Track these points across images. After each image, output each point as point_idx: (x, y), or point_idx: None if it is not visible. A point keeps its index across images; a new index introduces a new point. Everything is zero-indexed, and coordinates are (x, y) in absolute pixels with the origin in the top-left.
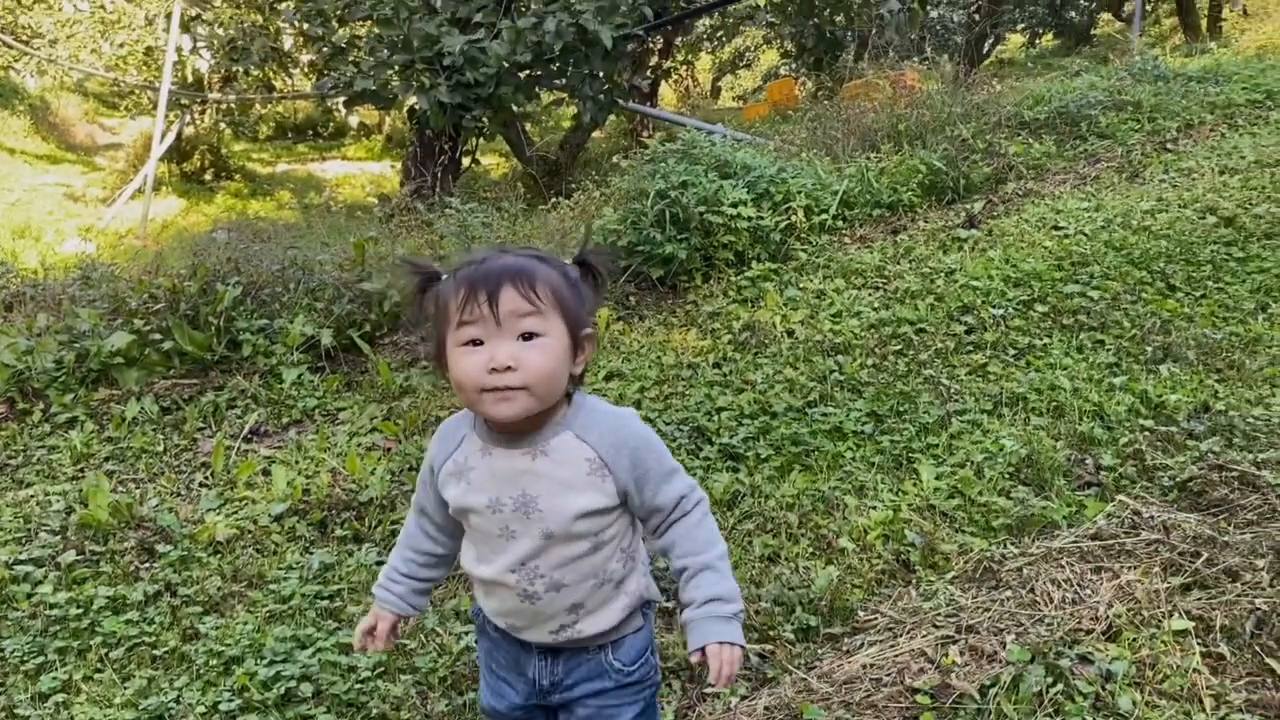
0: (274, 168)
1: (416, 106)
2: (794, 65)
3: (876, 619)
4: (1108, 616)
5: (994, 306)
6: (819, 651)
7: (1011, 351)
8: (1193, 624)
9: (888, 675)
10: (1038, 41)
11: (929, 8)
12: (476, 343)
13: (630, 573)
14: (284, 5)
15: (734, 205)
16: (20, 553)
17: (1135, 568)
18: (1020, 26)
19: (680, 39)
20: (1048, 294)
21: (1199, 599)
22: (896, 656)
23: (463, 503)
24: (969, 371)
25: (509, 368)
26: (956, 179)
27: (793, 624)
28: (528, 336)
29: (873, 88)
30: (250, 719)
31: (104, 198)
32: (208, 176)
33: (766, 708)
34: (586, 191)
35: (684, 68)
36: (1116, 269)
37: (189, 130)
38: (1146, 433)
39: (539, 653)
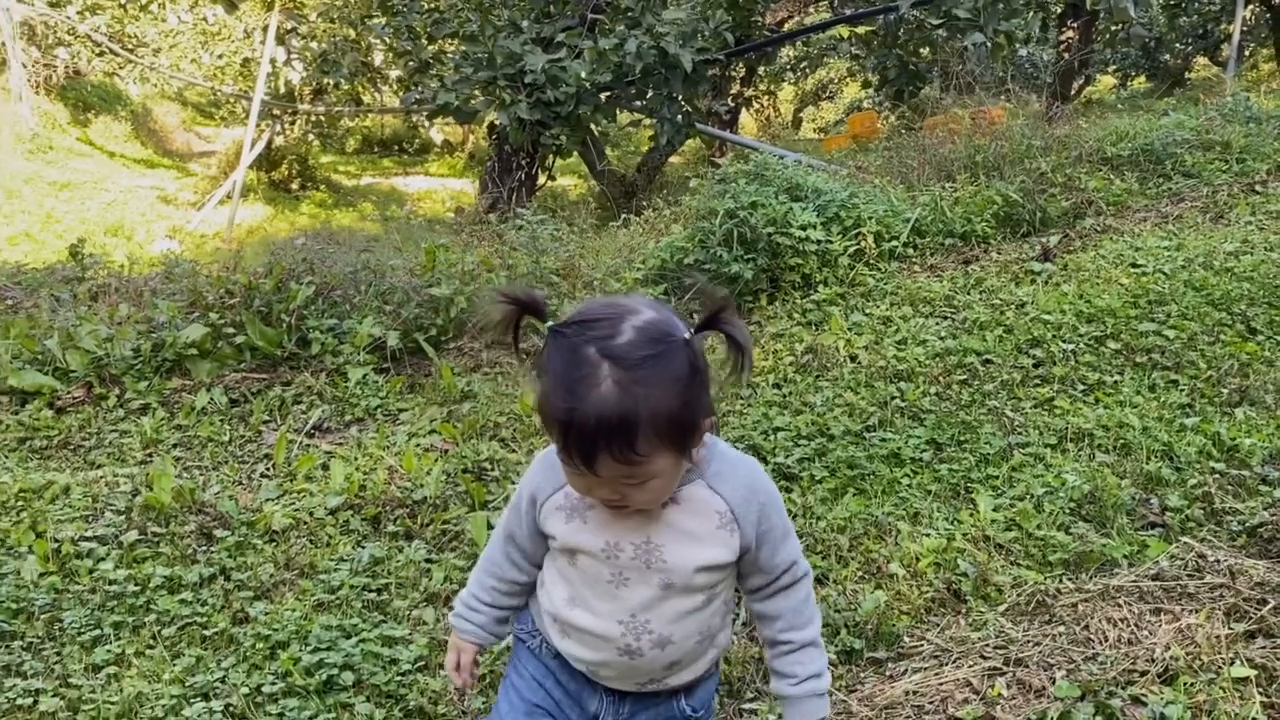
0: (359, 180)
1: (497, 122)
2: (876, 98)
3: (923, 646)
4: (1164, 659)
5: (1064, 341)
6: (861, 675)
7: (1080, 387)
8: (1255, 672)
9: (930, 703)
10: (1129, 83)
11: (1016, 44)
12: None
13: (724, 626)
14: (375, 21)
15: (803, 228)
16: (86, 530)
17: (1197, 611)
18: (1112, 68)
19: (764, 68)
20: (1121, 331)
21: (1263, 647)
22: (941, 685)
23: (573, 542)
24: (1035, 405)
25: (613, 500)
26: (1033, 212)
27: (836, 646)
28: (632, 483)
29: (955, 121)
30: (291, 703)
31: (194, 202)
32: (294, 186)
33: None
34: (657, 210)
35: (766, 97)
36: (1195, 309)
37: (279, 140)
38: (1217, 475)
39: (607, 692)
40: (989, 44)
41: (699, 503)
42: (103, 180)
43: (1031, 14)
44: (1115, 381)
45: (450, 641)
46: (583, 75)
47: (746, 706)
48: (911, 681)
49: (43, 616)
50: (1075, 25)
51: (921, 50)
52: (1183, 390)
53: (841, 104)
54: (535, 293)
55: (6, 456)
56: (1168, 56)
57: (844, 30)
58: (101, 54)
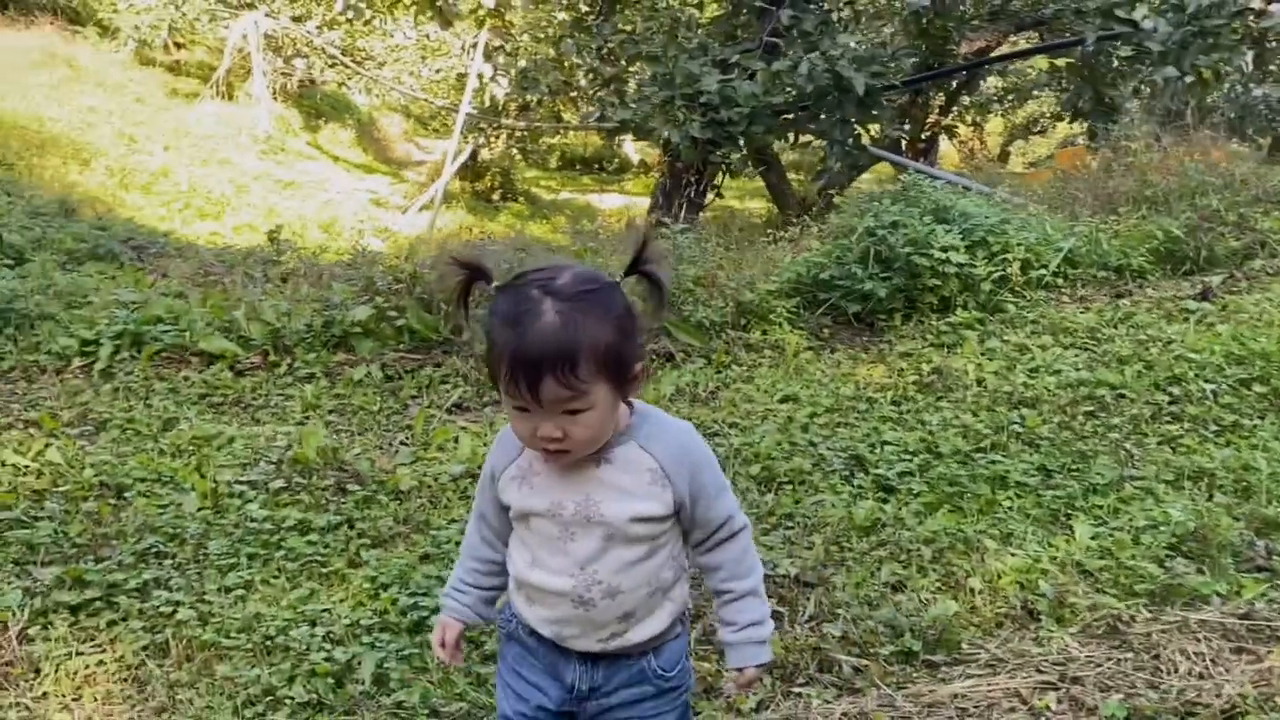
0: (557, 195)
1: (670, 140)
2: (1084, 134)
3: (980, 654)
4: (1233, 696)
5: (1206, 380)
6: (914, 674)
7: (1213, 427)
8: None
9: (975, 707)
10: None
11: (1225, 82)
12: (523, 408)
13: (678, 581)
14: (570, 40)
15: (944, 250)
16: (241, 475)
17: None
18: None
19: (967, 97)
20: (1271, 375)
21: None
22: (989, 692)
23: (524, 505)
24: (1160, 441)
25: (555, 438)
26: (1197, 249)
27: (895, 646)
28: (572, 412)
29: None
30: (384, 636)
31: (402, 206)
32: (495, 196)
33: (844, 714)
34: (804, 226)
35: (971, 128)
36: None
37: (484, 153)
38: None
39: (580, 658)
40: (1183, 79)
41: (631, 461)
42: (324, 182)
43: (1245, 49)
44: (1253, 425)
45: (437, 620)
46: (756, 94)
47: (796, 690)
48: (961, 685)
49: (192, 543)
50: None
51: (1117, 83)
52: None
53: (1054, 139)
54: (483, 259)
55: (189, 408)
56: None
57: (1043, 61)
58: (333, 65)
